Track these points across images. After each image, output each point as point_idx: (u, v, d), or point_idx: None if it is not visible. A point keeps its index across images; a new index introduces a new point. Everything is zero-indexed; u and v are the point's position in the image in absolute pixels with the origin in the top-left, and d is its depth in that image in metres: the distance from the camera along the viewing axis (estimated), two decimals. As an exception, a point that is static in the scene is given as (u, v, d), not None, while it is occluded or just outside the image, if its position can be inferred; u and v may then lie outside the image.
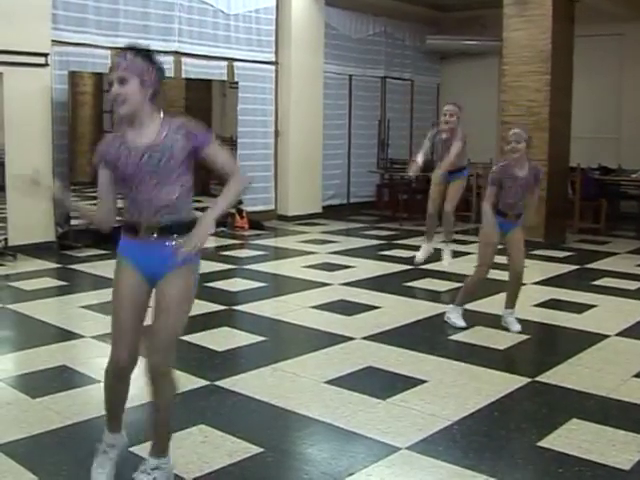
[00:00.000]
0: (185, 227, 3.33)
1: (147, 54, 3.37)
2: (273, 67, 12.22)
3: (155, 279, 3.40)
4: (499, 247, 6.32)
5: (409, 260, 9.17)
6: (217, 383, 4.95)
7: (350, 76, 13.93)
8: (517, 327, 6.33)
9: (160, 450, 3.50)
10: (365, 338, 6.03)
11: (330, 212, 12.86)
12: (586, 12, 11.67)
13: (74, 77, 10.06)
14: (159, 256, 3.36)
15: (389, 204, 13.72)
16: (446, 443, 4.13)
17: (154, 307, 3.40)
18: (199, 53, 11.10)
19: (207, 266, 8.52)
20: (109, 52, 9.61)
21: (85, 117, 11.89)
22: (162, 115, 3.40)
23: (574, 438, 4.22)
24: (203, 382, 4.96)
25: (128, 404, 3.65)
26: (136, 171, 3.32)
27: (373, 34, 14.41)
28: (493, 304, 7.13)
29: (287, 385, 5.01)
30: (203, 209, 3.42)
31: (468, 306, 6.72)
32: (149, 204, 3.34)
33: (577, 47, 11.43)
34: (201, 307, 6.76)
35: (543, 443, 4.13)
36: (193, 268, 3.42)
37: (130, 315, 3.41)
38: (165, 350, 3.36)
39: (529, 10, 10.63)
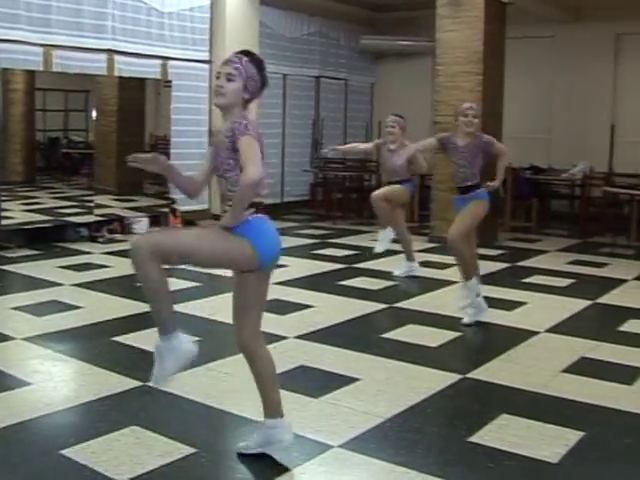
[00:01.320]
0: None
1: (260, 64, 3.76)
2: (207, 66, 12.15)
3: None
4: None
5: (343, 259, 9.21)
6: (150, 384, 4.90)
7: (284, 75, 13.92)
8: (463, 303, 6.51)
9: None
10: (298, 337, 6.04)
11: (264, 211, 12.78)
12: (518, 14, 11.84)
13: (5, 74, 9.88)
14: None
15: (323, 203, 13.76)
16: (378, 440, 4.16)
17: None
18: (133, 51, 10.98)
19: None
20: (41, 49, 9.47)
21: (17, 115, 11.67)
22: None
23: (504, 433, 4.28)
24: (136, 383, 4.92)
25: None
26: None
27: (308, 34, 14.42)
28: (425, 302, 7.20)
29: (221, 385, 5.00)
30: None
31: (400, 304, 6.80)
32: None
33: (509, 48, 11.61)
34: (133, 307, 6.71)
35: (474, 439, 4.19)
36: None
37: None
38: None
39: (462, 12, 10.75)
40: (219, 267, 4.19)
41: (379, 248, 8.68)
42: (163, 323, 3.60)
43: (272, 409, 3.85)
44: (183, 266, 4.14)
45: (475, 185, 6.55)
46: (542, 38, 14.13)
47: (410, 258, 8.54)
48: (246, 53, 3.77)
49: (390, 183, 8.51)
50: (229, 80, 3.63)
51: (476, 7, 10.65)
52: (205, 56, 12.16)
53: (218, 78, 3.66)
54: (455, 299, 6.85)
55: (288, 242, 10.51)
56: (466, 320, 6.52)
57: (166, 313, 3.61)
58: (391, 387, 4.99)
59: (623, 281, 8.60)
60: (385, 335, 6.20)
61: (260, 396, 3.88)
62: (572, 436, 4.25)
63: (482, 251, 9.44)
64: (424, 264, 9.06)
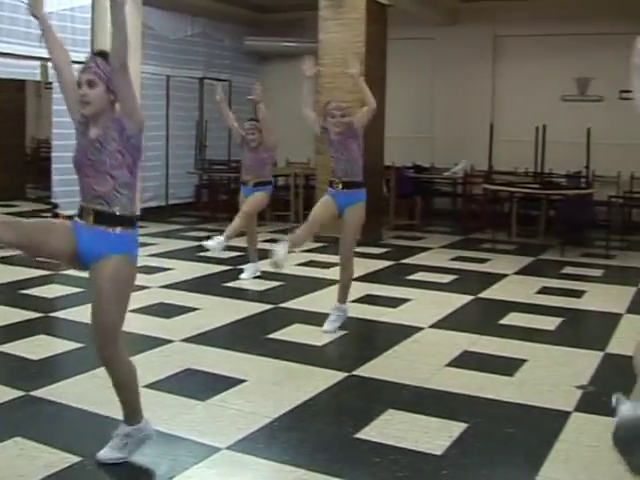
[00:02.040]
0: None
1: None
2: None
3: None
4: None
5: (229, 260, 9.18)
6: (33, 393, 4.78)
7: (168, 77, 13.76)
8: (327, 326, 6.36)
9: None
10: (184, 340, 5.98)
11: (149, 214, 12.66)
12: (399, 16, 12.04)
13: None
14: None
15: (208, 205, 13.69)
16: (266, 440, 4.16)
17: None
18: (10, 52, 10.67)
19: (21, 273, 8.26)
20: None
21: None
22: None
23: (390, 428, 4.35)
24: (18, 393, 4.77)
25: None
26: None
27: (192, 35, 14.30)
28: (311, 301, 7.24)
29: (106, 392, 4.87)
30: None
31: (286, 304, 6.82)
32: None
33: (391, 50, 11.79)
34: (15, 315, 6.54)
35: (360, 435, 4.24)
36: None
37: None
38: None
39: (343, 13, 10.85)
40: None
41: (246, 275, 8.47)
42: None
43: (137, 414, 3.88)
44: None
45: (357, 183, 6.35)
46: (423, 40, 14.41)
47: (254, 259, 8.54)
48: (100, 53, 3.65)
49: (253, 184, 8.40)
50: (91, 86, 3.53)
51: (357, 9, 10.76)
52: (87, 57, 11.89)
53: (80, 87, 3.55)
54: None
55: (173, 245, 10.45)
56: (327, 327, 6.38)
57: None
58: (278, 387, 5.00)
59: (504, 276, 8.85)
60: (271, 335, 6.20)
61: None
62: (456, 428, 4.35)
63: (367, 250, 9.64)
64: (310, 264, 9.13)
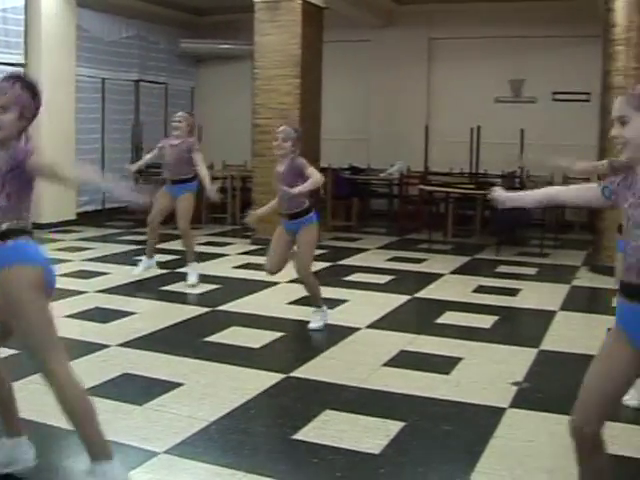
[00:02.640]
0: None
1: (34, 89, 3.43)
2: (22, 69, 11.74)
3: None
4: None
5: (165, 264, 9.10)
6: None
7: (103, 80, 13.64)
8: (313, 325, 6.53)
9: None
10: (121, 345, 5.92)
11: (85, 218, 12.55)
12: (335, 19, 12.10)
13: None
14: None
15: (145, 209, 13.54)
16: (204, 444, 4.15)
17: None
18: None
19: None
20: None
21: None
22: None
23: (327, 428, 4.36)
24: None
25: None
26: None
27: (127, 37, 14.19)
28: (248, 304, 7.24)
29: (42, 398, 4.81)
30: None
31: (222, 307, 6.80)
32: None
33: (328, 52, 11.83)
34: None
35: (298, 436, 4.24)
36: None
37: None
38: None
39: (279, 16, 10.86)
40: None
41: (138, 273, 8.42)
42: None
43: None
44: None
45: (304, 210, 6.35)
46: (359, 42, 14.49)
47: (151, 255, 8.48)
48: (17, 78, 3.43)
49: (173, 182, 8.26)
50: (3, 111, 3.30)
51: (293, 11, 10.78)
52: (20, 59, 11.74)
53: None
54: (277, 300, 6.93)
55: (110, 249, 10.36)
56: (313, 325, 6.54)
57: None
58: (215, 390, 4.98)
59: (440, 275, 8.94)
60: (209, 338, 6.18)
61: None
62: (393, 427, 4.39)
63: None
64: (247, 266, 9.13)
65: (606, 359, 2.93)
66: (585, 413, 2.95)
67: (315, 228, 6.41)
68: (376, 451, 4.08)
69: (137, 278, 8.36)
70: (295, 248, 6.42)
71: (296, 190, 6.07)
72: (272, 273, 6.55)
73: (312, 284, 6.48)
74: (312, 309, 6.61)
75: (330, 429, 4.36)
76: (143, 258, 8.47)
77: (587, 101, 12.81)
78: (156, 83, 15.06)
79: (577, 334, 6.57)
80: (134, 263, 9.00)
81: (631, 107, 2.81)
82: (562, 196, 3.19)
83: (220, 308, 7.19)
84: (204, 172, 8.06)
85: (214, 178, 13.58)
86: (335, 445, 4.13)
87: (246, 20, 12.04)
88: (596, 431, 2.95)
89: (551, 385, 5.29)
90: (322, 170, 12.03)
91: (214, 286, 8.12)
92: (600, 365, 2.95)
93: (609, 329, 2.91)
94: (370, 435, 4.28)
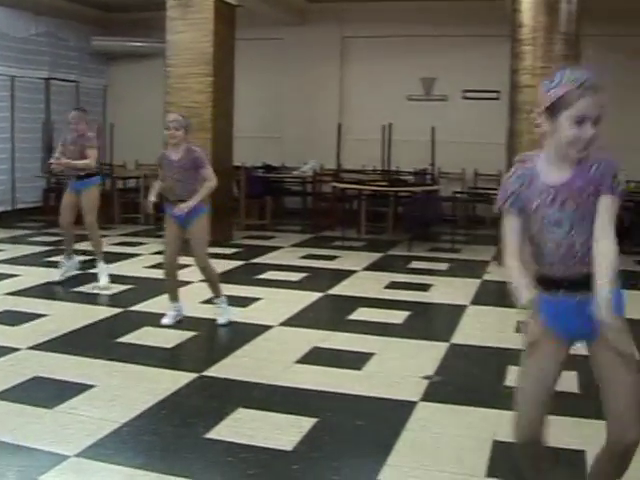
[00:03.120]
0: None
1: None
2: None
3: None
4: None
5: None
6: None
7: (13, 77, 13.33)
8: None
9: None
10: (31, 348, 5.82)
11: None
12: (248, 17, 12.09)
13: None
14: None
15: (56, 209, 13.31)
16: (116, 446, 4.12)
17: None
18: None
19: None
20: None
21: None
22: None
23: (240, 427, 4.38)
24: None
25: None
26: None
27: (36, 34, 13.88)
28: (161, 304, 7.20)
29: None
30: None
31: (134, 307, 6.75)
32: None
33: (241, 50, 11.81)
34: None
35: (211, 435, 4.26)
36: None
37: None
38: None
39: (191, 13, 10.80)
40: None
41: (59, 276, 8.32)
42: None
43: None
44: None
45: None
46: (272, 40, 14.49)
47: (70, 256, 8.40)
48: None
49: (76, 178, 8.14)
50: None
51: (205, 9, 10.73)
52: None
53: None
54: (189, 299, 6.92)
55: (20, 251, 10.16)
56: (221, 320, 6.62)
57: None
58: (127, 391, 4.95)
59: (353, 272, 9.04)
60: (120, 339, 6.13)
61: None
62: (306, 423, 4.43)
63: (217, 250, 9.62)
64: (159, 266, 9.01)
65: (538, 362, 2.96)
66: (529, 423, 2.97)
67: (206, 217, 6.54)
68: (289, 448, 4.11)
69: (48, 280, 8.23)
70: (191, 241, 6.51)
71: (191, 203, 6.24)
72: (169, 269, 6.55)
73: (212, 272, 6.58)
74: (214, 304, 6.66)
75: (243, 427, 4.38)
76: (62, 260, 8.35)
77: (497, 99, 13.05)
78: (67, 81, 14.79)
79: (487, 327, 6.73)
80: (45, 265, 8.88)
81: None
82: (524, 251, 3.02)
83: (132, 308, 7.14)
84: (83, 164, 8.00)
85: (126, 178, 13.54)
86: (248, 443, 4.15)
87: (158, 18, 11.93)
88: (541, 435, 3.00)
89: (461, 378, 5.41)
90: (236, 169, 12.09)
91: (126, 286, 8.06)
92: (534, 370, 2.97)
93: (520, 322, 2.96)
94: (283, 432, 4.31)
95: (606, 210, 2.76)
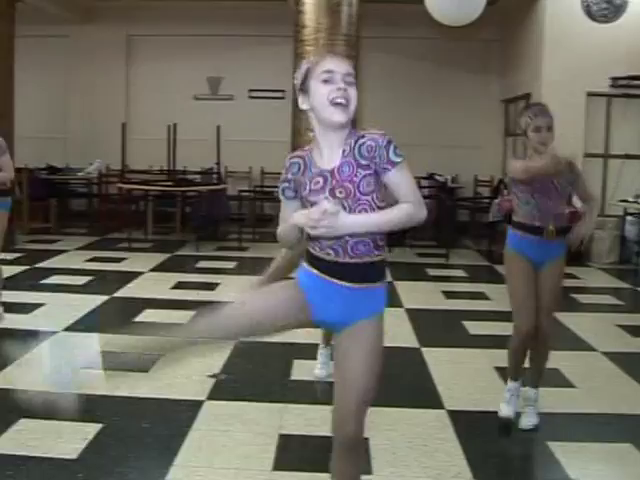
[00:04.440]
0: None
1: None
2: None
3: None
4: None
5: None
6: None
7: None
8: None
9: None
10: None
11: None
12: (31, 13, 11.73)
13: None
14: None
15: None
16: None
17: None
18: None
19: None
20: None
21: None
22: None
23: (23, 437, 4.30)
24: None
25: None
26: None
27: None
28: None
29: None
30: None
31: None
32: None
33: (22, 48, 11.40)
34: None
35: (-9, 448, 4.14)
36: None
37: None
38: None
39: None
40: None
41: None
42: None
43: None
44: None
45: None
46: (57, 37, 14.12)
47: None
48: None
49: None
50: None
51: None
52: None
53: None
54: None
55: None
56: None
57: None
58: None
59: (140, 273, 8.99)
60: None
61: None
62: (90, 429, 4.41)
63: (-3, 256, 9.27)
64: None
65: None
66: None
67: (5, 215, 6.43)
68: (73, 455, 4.08)
69: None
70: None
71: None
72: None
73: None
74: None
75: (25, 438, 4.29)
76: None
77: (282, 98, 13.30)
78: None
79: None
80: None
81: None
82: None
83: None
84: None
85: None
86: (30, 454, 4.08)
87: None
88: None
89: (247, 375, 5.52)
90: (17, 171, 11.64)
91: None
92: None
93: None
94: (66, 440, 4.26)
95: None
